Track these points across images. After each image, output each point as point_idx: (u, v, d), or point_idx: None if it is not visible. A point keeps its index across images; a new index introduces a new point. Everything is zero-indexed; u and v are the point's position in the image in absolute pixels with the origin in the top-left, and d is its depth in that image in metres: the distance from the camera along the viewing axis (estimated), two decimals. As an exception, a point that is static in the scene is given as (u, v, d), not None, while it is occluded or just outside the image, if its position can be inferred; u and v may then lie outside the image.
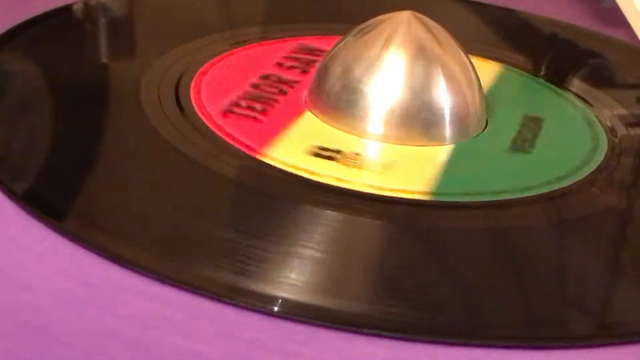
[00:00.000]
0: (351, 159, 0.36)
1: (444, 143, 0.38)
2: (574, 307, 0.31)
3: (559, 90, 0.44)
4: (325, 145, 0.37)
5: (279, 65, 0.43)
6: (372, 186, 0.35)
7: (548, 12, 0.53)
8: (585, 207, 0.36)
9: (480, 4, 0.53)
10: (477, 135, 0.39)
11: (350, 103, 0.38)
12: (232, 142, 0.36)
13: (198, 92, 0.40)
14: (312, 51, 0.44)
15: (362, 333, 0.28)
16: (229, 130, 0.37)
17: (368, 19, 0.40)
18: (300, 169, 0.35)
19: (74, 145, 0.36)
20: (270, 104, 0.39)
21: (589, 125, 0.41)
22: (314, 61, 0.43)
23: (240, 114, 0.38)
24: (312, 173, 0.35)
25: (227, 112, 0.38)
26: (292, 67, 0.43)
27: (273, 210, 0.33)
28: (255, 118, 0.38)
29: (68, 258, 0.30)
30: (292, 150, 0.36)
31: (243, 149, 0.36)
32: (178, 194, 0.34)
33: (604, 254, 0.34)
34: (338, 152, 0.36)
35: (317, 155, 0.36)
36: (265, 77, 0.41)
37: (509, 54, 0.48)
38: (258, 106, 0.39)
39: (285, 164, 0.35)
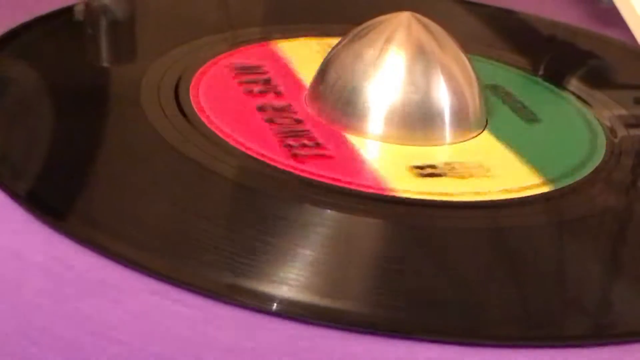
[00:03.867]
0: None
1: (443, 143, 0.38)
2: (572, 307, 0.31)
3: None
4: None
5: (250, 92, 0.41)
6: (478, 193, 0.35)
7: (547, 13, 0.53)
8: (585, 207, 0.36)
9: (480, 4, 0.53)
10: (477, 135, 0.39)
11: (349, 103, 0.38)
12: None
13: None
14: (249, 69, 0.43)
15: (360, 332, 0.28)
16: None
17: (368, 20, 0.40)
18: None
19: (75, 145, 0.36)
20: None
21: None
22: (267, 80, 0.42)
23: None
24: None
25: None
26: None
27: (273, 210, 0.33)
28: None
29: (68, 257, 0.30)
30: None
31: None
32: (177, 193, 0.34)
33: (602, 254, 0.34)
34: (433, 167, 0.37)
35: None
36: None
37: (509, 54, 0.48)
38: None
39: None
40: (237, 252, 0.31)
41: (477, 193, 0.35)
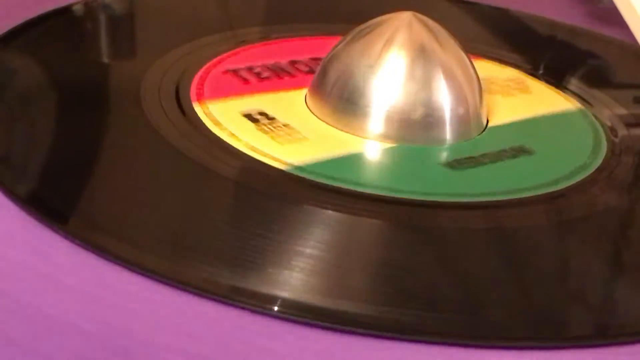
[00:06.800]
0: (275, 129, 0.36)
1: (444, 143, 0.38)
2: (574, 307, 0.31)
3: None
4: (265, 110, 0.37)
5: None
6: (274, 158, 0.35)
7: (547, 13, 0.53)
8: (586, 207, 0.36)
9: (480, 4, 0.53)
10: (478, 135, 0.39)
11: (350, 103, 0.38)
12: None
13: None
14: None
15: (361, 333, 0.28)
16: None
17: (369, 20, 0.40)
18: (223, 129, 0.36)
19: (75, 146, 0.36)
20: (274, 75, 0.40)
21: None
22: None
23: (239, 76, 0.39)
24: (231, 135, 0.36)
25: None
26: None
27: (274, 211, 0.33)
28: (245, 79, 0.38)
29: (69, 260, 0.30)
30: (231, 110, 0.37)
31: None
32: (179, 194, 0.34)
33: (604, 254, 0.34)
34: (271, 118, 0.37)
35: (249, 117, 0.37)
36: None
37: (509, 54, 0.48)
38: (260, 72, 0.40)
39: (212, 120, 0.36)
40: (239, 253, 0.31)
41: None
